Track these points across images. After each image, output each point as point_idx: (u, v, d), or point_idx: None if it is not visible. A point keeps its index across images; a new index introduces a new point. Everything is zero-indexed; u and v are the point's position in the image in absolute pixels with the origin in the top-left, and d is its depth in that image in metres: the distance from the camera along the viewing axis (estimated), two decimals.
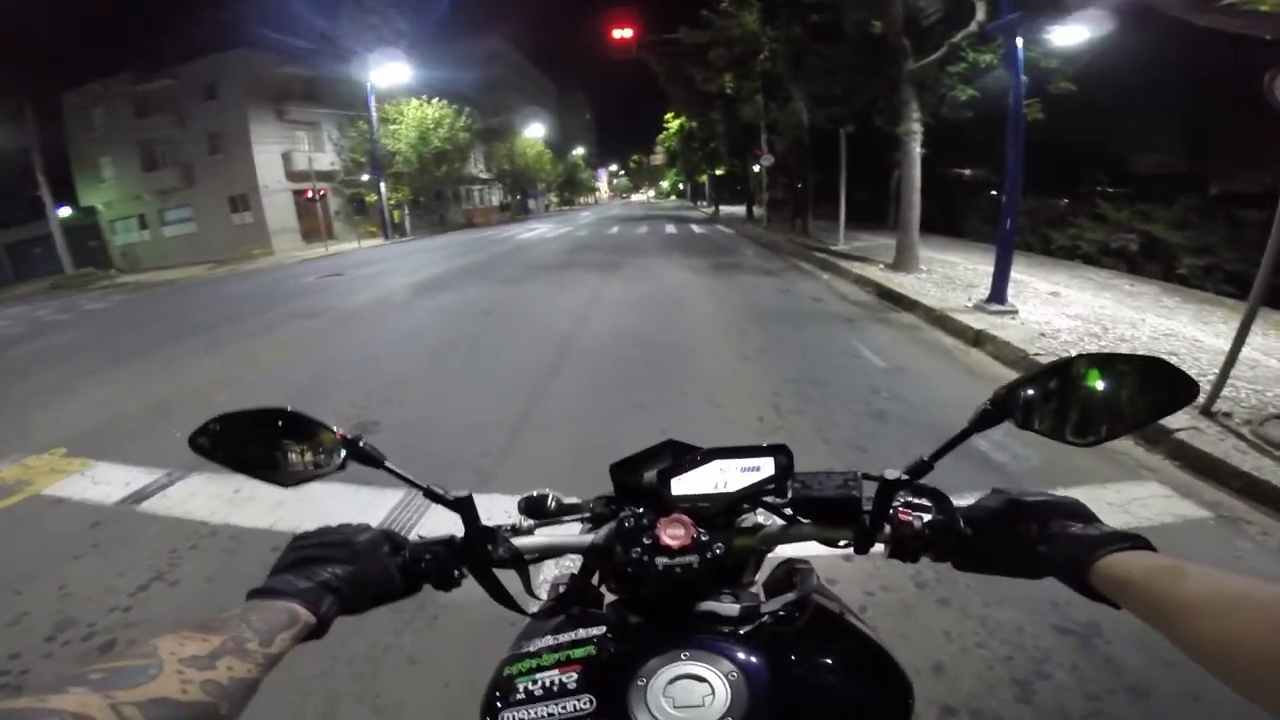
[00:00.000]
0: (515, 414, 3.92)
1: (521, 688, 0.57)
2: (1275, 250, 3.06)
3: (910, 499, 0.64)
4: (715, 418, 3.74)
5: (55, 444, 4.06)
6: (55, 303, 15.27)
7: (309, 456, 0.66)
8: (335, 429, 0.65)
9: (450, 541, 0.66)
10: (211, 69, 26.25)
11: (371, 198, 27.90)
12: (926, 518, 0.62)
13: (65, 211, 25.53)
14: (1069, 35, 6.82)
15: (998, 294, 6.03)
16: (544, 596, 0.70)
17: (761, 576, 0.74)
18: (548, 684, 0.57)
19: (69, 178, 27.62)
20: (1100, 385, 0.58)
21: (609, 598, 0.70)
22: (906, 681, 0.59)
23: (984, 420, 0.60)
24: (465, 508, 0.65)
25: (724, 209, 31.69)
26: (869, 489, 0.64)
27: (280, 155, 27.36)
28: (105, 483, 3.43)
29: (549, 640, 0.62)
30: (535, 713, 0.55)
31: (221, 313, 9.65)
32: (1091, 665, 1.72)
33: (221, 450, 0.65)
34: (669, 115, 35.43)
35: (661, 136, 41.51)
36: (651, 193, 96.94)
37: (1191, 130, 12.13)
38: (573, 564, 0.70)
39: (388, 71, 26.47)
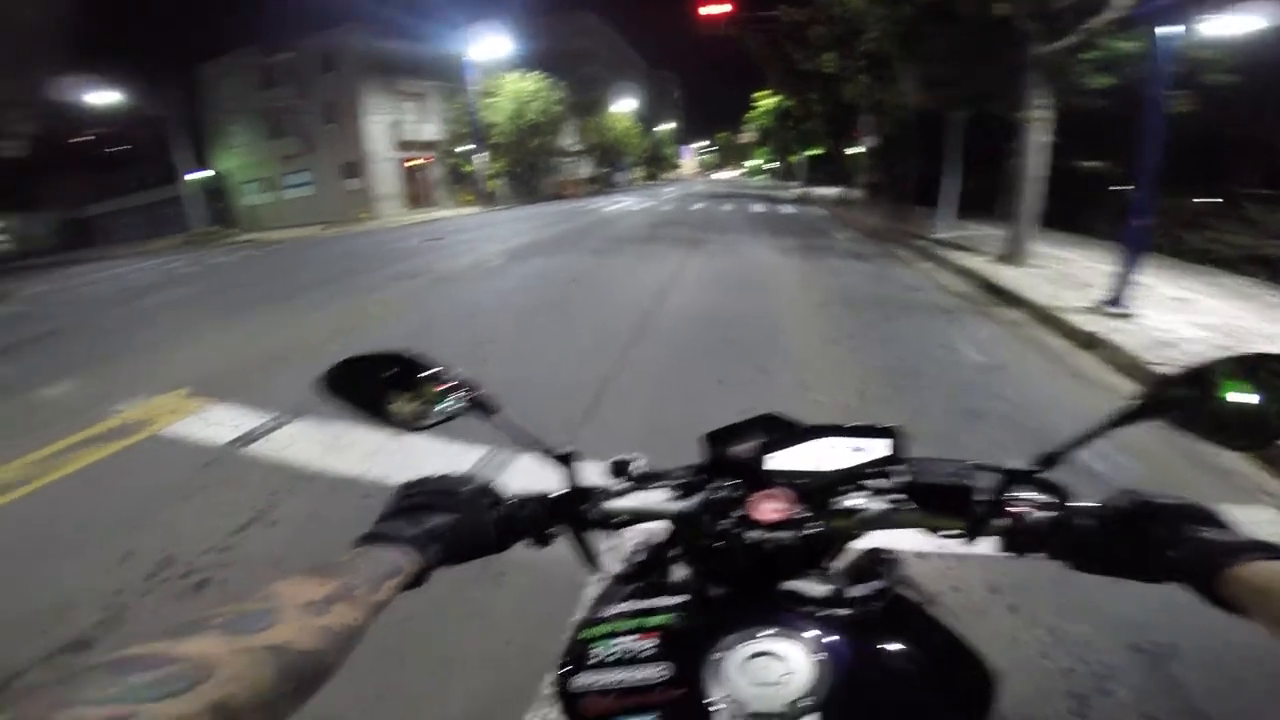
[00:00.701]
0: (597, 381, 4.03)
1: (597, 652, 0.57)
2: None
3: (1029, 493, 0.61)
4: (797, 399, 3.71)
5: (178, 385, 4.50)
6: (185, 257, 17.17)
7: (428, 402, 0.68)
8: (458, 374, 0.67)
9: (545, 498, 0.67)
10: (328, 42, 27.94)
11: (469, 167, 29.04)
12: (1045, 513, 0.60)
13: (200, 175, 28.23)
14: (1230, 25, 6.10)
15: (1117, 296, 5.59)
16: (626, 563, 0.70)
17: (839, 563, 0.75)
18: (624, 650, 0.57)
19: (202, 144, 30.50)
20: (1258, 386, 0.56)
21: (683, 572, 0.68)
22: (991, 676, 0.57)
23: (1130, 416, 0.58)
24: (570, 464, 0.66)
25: (815, 190, 30.60)
26: (981, 479, 0.62)
27: (389, 125, 28.93)
28: (218, 424, 3.69)
29: (626, 606, 0.61)
30: (610, 677, 0.55)
31: (332, 270, 10.49)
32: (1157, 686, 1.65)
33: (348, 391, 0.68)
34: (760, 93, 34.39)
35: (752, 114, 40.37)
36: (738, 170, 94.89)
37: None
38: (648, 534, 0.70)
39: (488, 45, 27.22)
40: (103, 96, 21.57)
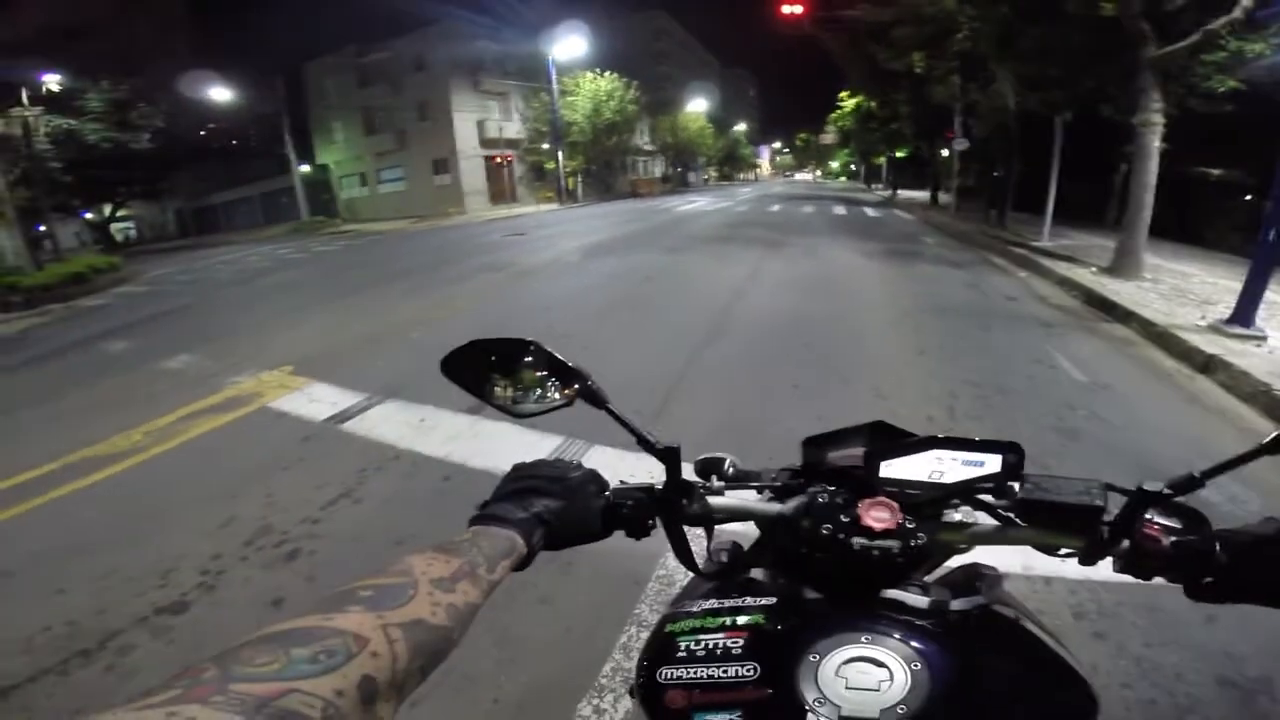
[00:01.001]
0: (669, 379, 4.06)
1: (683, 646, 0.58)
2: None
3: (1159, 517, 0.59)
4: (878, 410, 3.55)
5: (285, 362, 4.90)
6: (293, 244, 18.61)
7: (541, 391, 0.70)
8: (572, 365, 0.69)
9: (650, 490, 0.67)
10: (418, 43, 29.28)
11: (549, 165, 29.86)
12: (1175, 538, 0.58)
13: (305, 169, 30.47)
14: None
15: (1243, 315, 5.07)
16: (715, 561, 0.70)
17: (933, 576, 0.74)
18: (711, 646, 0.57)
19: (309, 139, 32.82)
20: None
21: (765, 574, 0.69)
22: (1093, 695, 0.57)
23: None
24: (672, 458, 0.65)
25: (902, 193, 29.39)
26: (1106, 500, 0.60)
27: (475, 123, 30.13)
28: (319, 400, 3.96)
29: (714, 603, 0.62)
30: (695, 673, 0.55)
31: (422, 261, 11.09)
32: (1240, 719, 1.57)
33: (467, 376, 0.70)
34: (844, 94, 33.31)
35: (834, 115, 39.11)
36: (818, 172, 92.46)
37: None
38: (731, 533, 0.71)
39: (566, 45, 27.83)
40: (221, 94, 23.49)
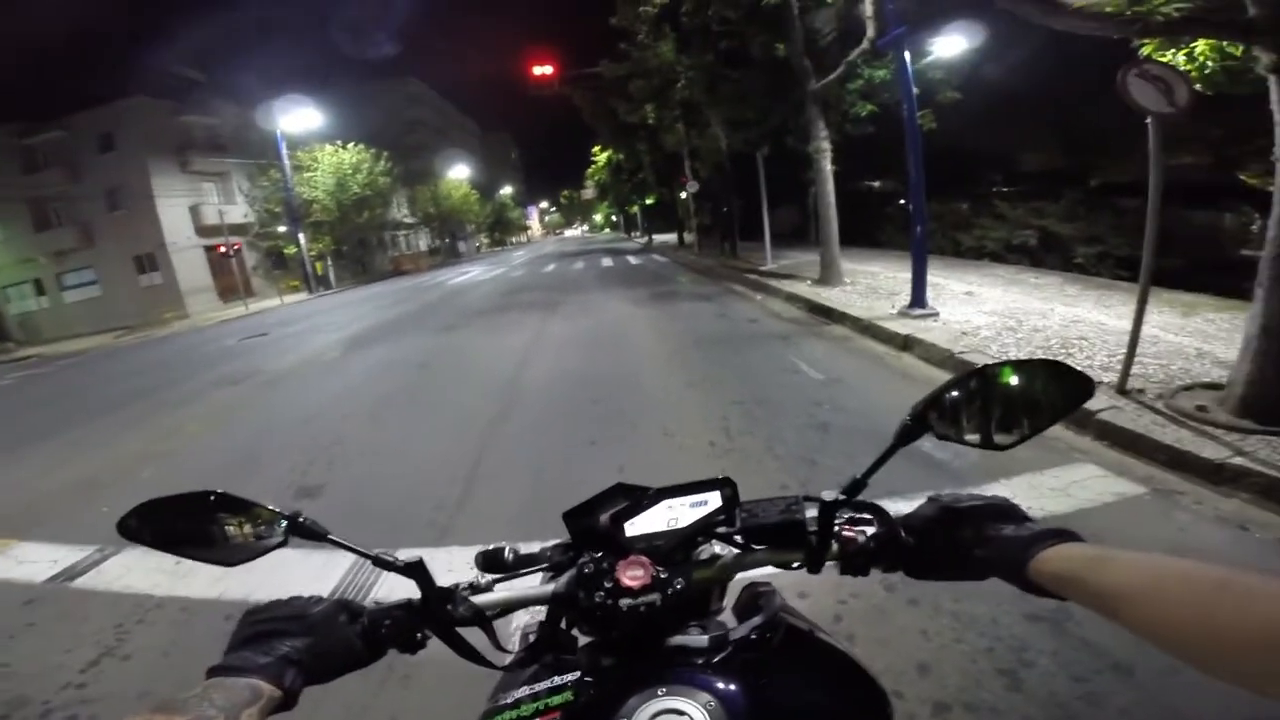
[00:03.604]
0: (466, 465, 3.81)
1: None
2: (1153, 235, 3.38)
3: (852, 515, 0.66)
4: (668, 447, 3.76)
5: None
6: None
7: (248, 533, 0.65)
8: (271, 507, 0.65)
9: (409, 605, 0.65)
10: (105, 119, 24.84)
11: (291, 250, 26.95)
12: (870, 531, 0.64)
13: None
14: (949, 46, 7.49)
15: (918, 299, 6.37)
16: (515, 646, 0.70)
17: (729, 601, 0.75)
18: None
19: None
20: (1007, 392, 0.62)
21: (582, 640, 0.69)
22: (883, 692, 0.61)
23: (906, 435, 0.63)
24: (418, 573, 0.64)
25: (657, 238, 32.29)
26: (812, 510, 0.65)
27: (187, 209, 26.07)
28: (31, 561, 3.31)
29: (525, 690, 0.61)
30: None
31: (138, 384, 9.04)
32: (1070, 648, 1.76)
33: (153, 533, 0.64)
34: (596, 149, 35.87)
35: (590, 170, 41.91)
36: (585, 227, 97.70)
37: (1066, 128, 13.37)
38: (541, 613, 0.70)
39: (297, 117, 25.85)
40: None
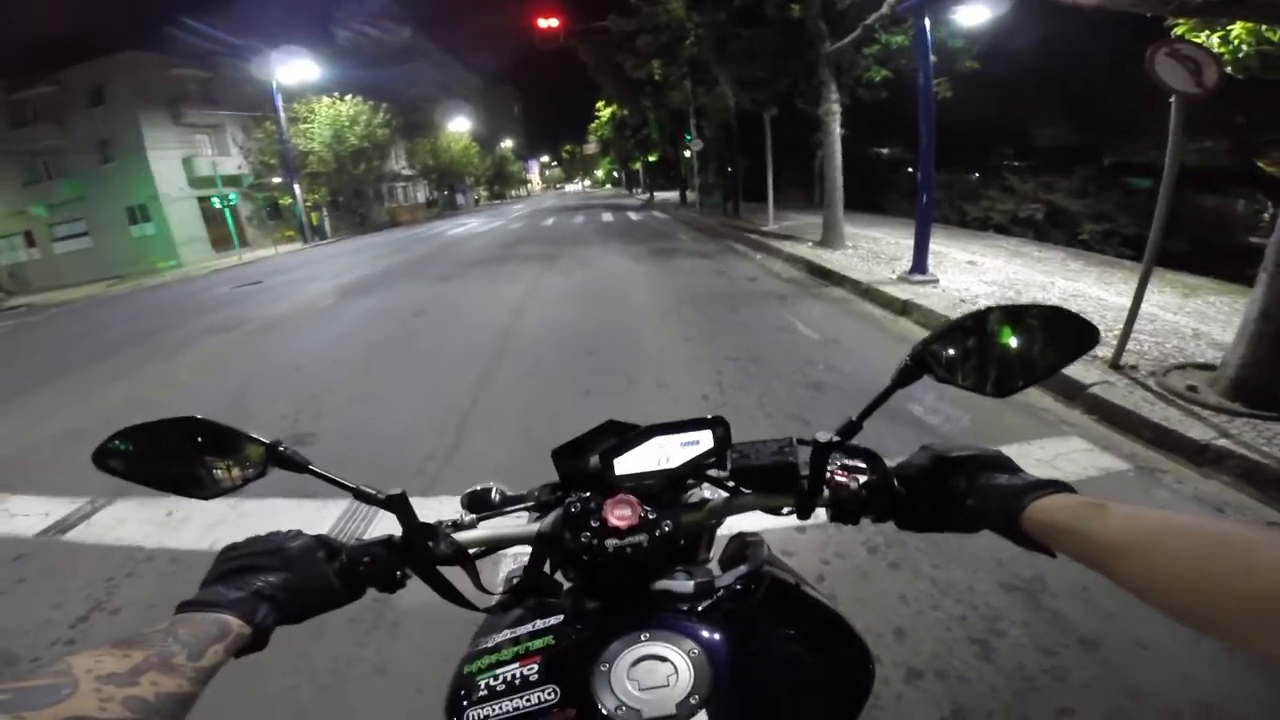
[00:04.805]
0: (457, 413, 3.81)
1: (483, 684, 0.56)
2: (1163, 216, 3.31)
3: (845, 461, 0.64)
4: (662, 399, 3.76)
5: None
6: None
7: (229, 466, 0.63)
8: (251, 434, 0.63)
9: (389, 541, 0.63)
10: (95, 73, 24.21)
11: (286, 200, 26.45)
12: (862, 479, 0.62)
13: None
14: (972, 15, 7.21)
15: (919, 265, 6.31)
16: (500, 591, 0.68)
17: (716, 552, 0.74)
18: (509, 678, 0.56)
19: None
20: (1010, 337, 0.60)
21: (566, 585, 0.68)
22: (865, 647, 0.60)
23: (905, 376, 0.61)
24: (399, 506, 0.62)
25: (658, 195, 31.76)
26: (806, 454, 0.64)
27: (180, 161, 25.57)
28: (23, 514, 3.26)
29: (507, 634, 0.61)
30: (499, 708, 0.54)
31: (130, 331, 8.98)
32: (1042, 620, 1.78)
33: (131, 466, 0.62)
34: (600, 104, 34.99)
35: (594, 125, 40.80)
36: (587, 182, 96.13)
37: (1082, 104, 13.07)
38: (526, 556, 0.69)
39: (294, 69, 25.03)
40: None
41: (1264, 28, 3.28)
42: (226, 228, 23.41)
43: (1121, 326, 3.61)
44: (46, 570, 2.70)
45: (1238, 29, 3.40)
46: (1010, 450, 2.74)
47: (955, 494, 0.57)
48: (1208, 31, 3.52)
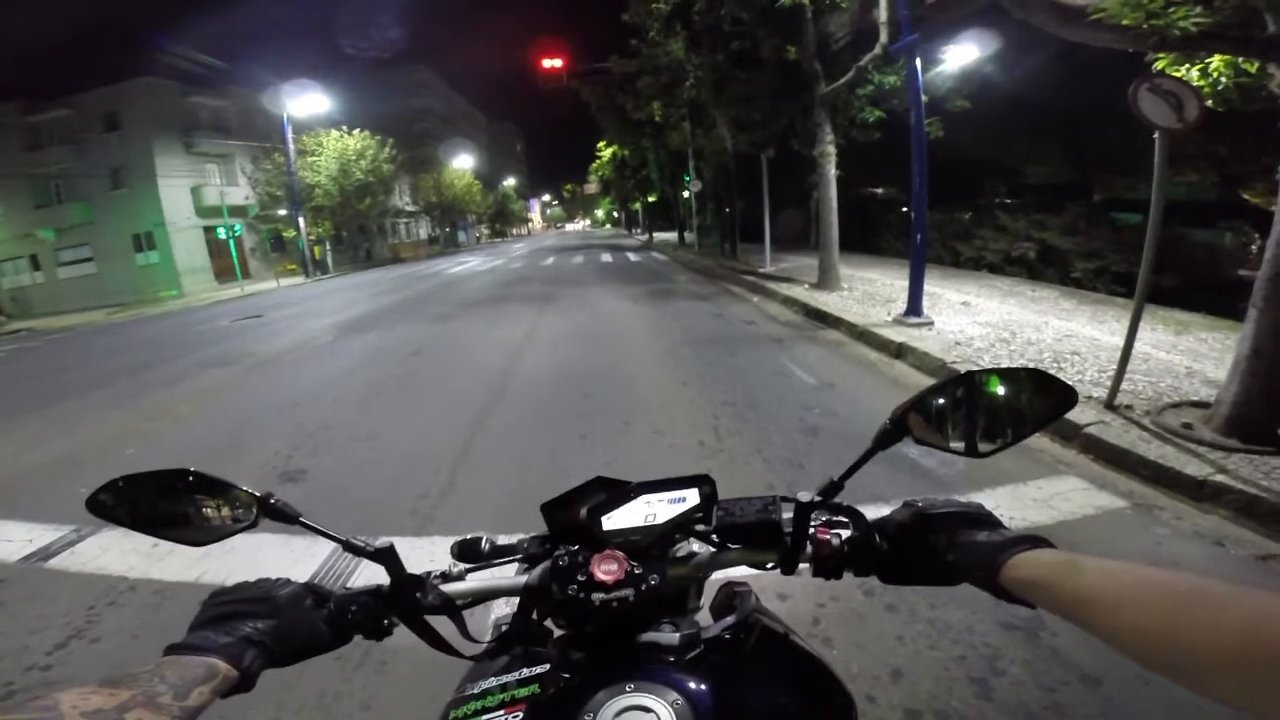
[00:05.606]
0: (453, 455, 3.80)
1: None
2: (1152, 252, 3.38)
3: (829, 518, 0.66)
4: (658, 445, 3.75)
5: None
6: None
7: (221, 514, 0.65)
8: (244, 488, 0.64)
9: (377, 591, 0.64)
10: (112, 98, 24.79)
11: (290, 233, 26.79)
12: (845, 535, 0.64)
13: None
14: (961, 54, 7.46)
15: (914, 307, 6.36)
16: (489, 638, 0.69)
17: (707, 600, 0.75)
18: None
19: None
20: (990, 400, 0.62)
21: (556, 634, 0.69)
22: (848, 695, 0.61)
23: (885, 439, 0.63)
24: (388, 558, 0.63)
25: (657, 235, 32.23)
26: (790, 510, 0.65)
27: (189, 190, 25.96)
28: (5, 540, 3.27)
29: (493, 681, 0.61)
30: None
31: (129, 361, 8.98)
32: (1041, 658, 1.78)
33: (124, 511, 0.63)
34: (601, 144, 35.74)
35: (594, 165, 41.63)
36: (587, 222, 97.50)
37: (1072, 141, 13.37)
38: (516, 601, 0.70)
39: (304, 102, 25.67)
40: None
41: (1241, 60, 3.35)
42: (230, 258, 23.62)
43: (1115, 366, 3.63)
44: (27, 597, 2.69)
45: (1216, 62, 3.46)
46: (1006, 490, 2.75)
47: (936, 550, 0.58)
48: (1187, 65, 3.59)
